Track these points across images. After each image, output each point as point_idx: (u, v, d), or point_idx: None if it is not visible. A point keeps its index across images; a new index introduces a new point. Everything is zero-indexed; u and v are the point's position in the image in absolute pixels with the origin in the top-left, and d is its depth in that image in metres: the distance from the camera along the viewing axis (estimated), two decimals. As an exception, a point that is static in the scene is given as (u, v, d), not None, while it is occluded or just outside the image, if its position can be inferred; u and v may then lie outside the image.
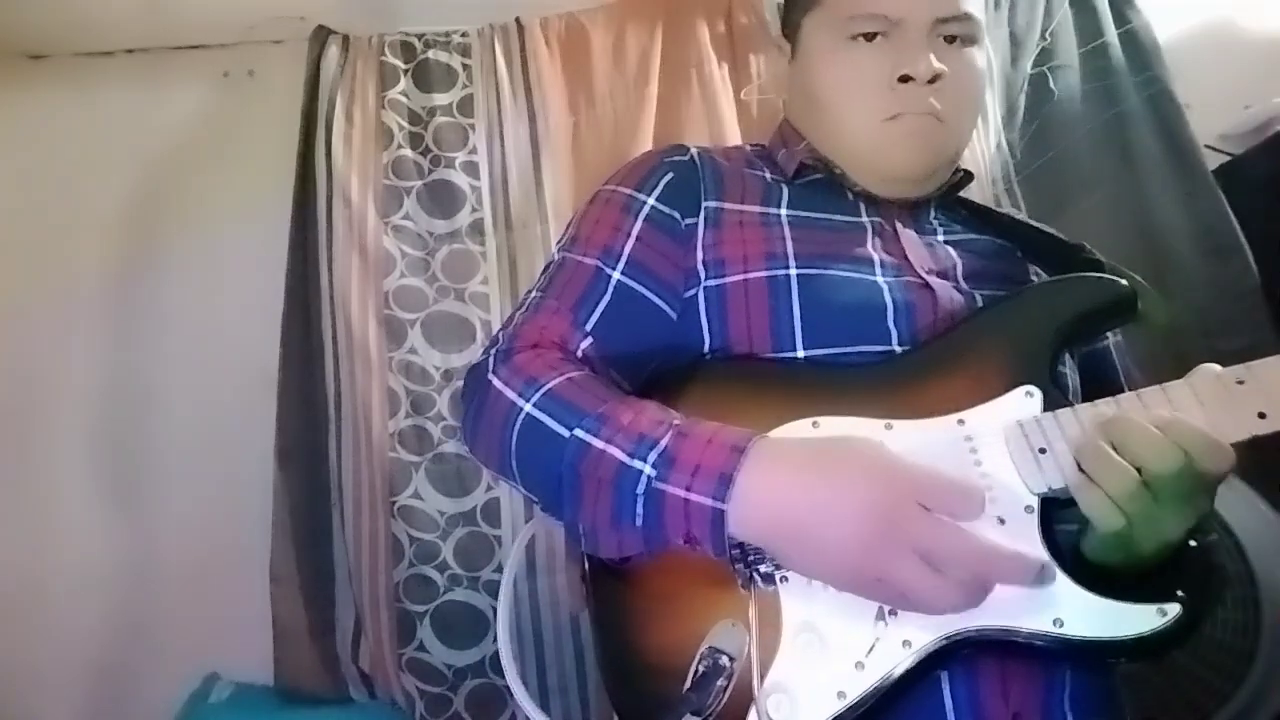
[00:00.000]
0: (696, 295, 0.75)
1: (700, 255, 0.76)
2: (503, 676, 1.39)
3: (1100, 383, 0.76)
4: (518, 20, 1.69)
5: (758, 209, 0.78)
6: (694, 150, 0.82)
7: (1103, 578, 0.59)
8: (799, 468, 0.59)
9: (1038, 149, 1.64)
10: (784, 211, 0.78)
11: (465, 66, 1.68)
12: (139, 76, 1.74)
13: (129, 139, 1.70)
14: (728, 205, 0.78)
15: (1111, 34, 1.65)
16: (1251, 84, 1.64)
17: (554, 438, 0.64)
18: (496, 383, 0.69)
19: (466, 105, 1.66)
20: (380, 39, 1.67)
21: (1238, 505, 1.19)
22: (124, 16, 1.65)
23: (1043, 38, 1.69)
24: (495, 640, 1.41)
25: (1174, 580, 0.60)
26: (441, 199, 1.61)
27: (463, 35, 1.70)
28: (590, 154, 1.64)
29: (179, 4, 1.64)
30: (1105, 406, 0.63)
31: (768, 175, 0.83)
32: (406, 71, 1.66)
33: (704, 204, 0.78)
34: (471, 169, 1.63)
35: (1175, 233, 1.54)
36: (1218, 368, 0.62)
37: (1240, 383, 0.61)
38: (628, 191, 0.79)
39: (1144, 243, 1.56)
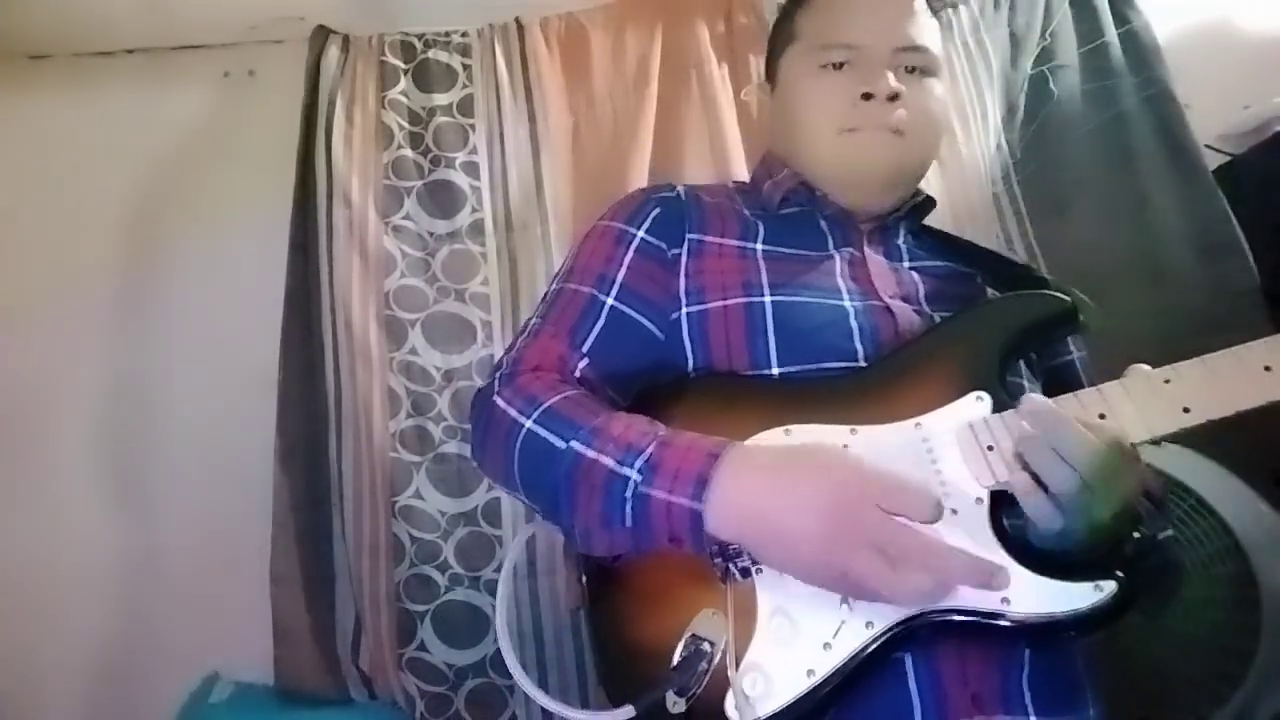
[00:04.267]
0: (680, 318, 0.83)
1: (683, 282, 0.84)
2: (503, 675, 1.40)
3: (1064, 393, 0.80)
4: (518, 20, 1.69)
5: (735, 242, 0.86)
6: (680, 188, 0.91)
7: (1049, 561, 0.65)
8: (768, 471, 0.66)
9: (1038, 149, 1.64)
10: (760, 246, 0.86)
11: (465, 66, 1.68)
12: (139, 76, 1.74)
13: (129, 139, 1.69)
14: (709, 238, 0.86)
15: (1111, 34, 1.66)
16: (1251, 84, 1.64)
17: (552, 450, 0.71)
18: (500, 403, 0.76)
19: (466, 105, 1.66)
20: (380, 39, 1.67)
21: (1238, 505, 1.19)
22: (124, 16, 1.65)
23: (1043, 38, 1.69)
24: (495, 635, 1.42)
25: (1114, 563, 0.66)
26: (442, 199, 1.61)
27: (463, 35, 1.70)
28: (590, 154, 1.64)
29: (179, 4, 1.64)
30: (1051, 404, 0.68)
31: (746, 212, 0.90)
32: (406, 71, 1.66)
33: (688, 236, 0.86)
34: (471, 169, 1.63)
35: (1174, 233, 1.54)
36: (1148, 368, 0.70)
37: (1167, 382, 0.68)
38: (619, 226, 0.87)
39: (1143, 243, 1.56)
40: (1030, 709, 0.69)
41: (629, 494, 0.66)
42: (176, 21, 1.69)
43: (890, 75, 0.84)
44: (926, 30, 0.88)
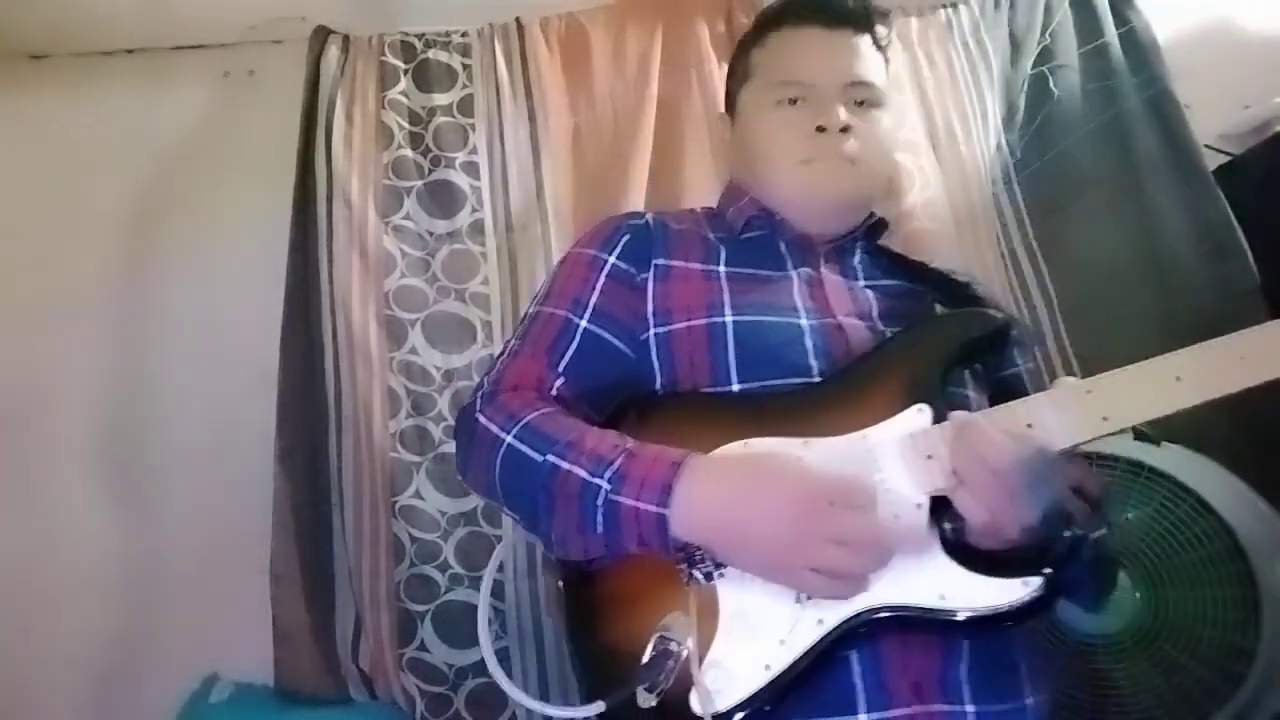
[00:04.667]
0: (649, 339, 0.88)
1: (651, 304, 0.90)
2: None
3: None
4: (518, 20, 1.69)
5: (700, 266, 0.92)
6: (649, 216, 0.97)
7: (982, 560, 0.72)
8: (727, 478, 0.73)
9: (1038, 149, 1.64)
10: (723, 268, 0.92)
11: (465, 66, 1.68)
12: (139, 76, 1.74)
13: (129, 139, 1.70)
14: (675, 263, 0.92)
15: (1111, 34, 1.66)
16: (1251, 84, 1.65)
17: (530, 463, 0.77)
18: (483, 420, 0.82)
19: (466, 105, 1.66)
20: (380, 39, 1.67)
21: (1237, 505, 1.19)
22: (124, 16, 1.65)
23: (1043, 38, 1.69)
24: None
25: (1044, 561, 0.72)
26: (442, 199, 1.61)
27: (463, 35, 1.70)
28: (590, 154, 1.64)
29: (179, 4, 1.64)
30: (981, 417, 0.75)
31: (711, 236, 0.97)
32: (406, 71, 1.66)
33: (654, 261, 0.92)
34: (471, 169, 1.63)
35: (1175, 233, 1.55)
36: (1074, 380, 0.77)
37: (1089, 393, 0.74)
38: (592, 252, 0.93)
39: (1144, 242, 1.56)
40: (968, 697, 0.74)
41: (600, 501, 0.73)
42: (176, 21, 1.69)
43: (841, 109, 0.92)
44: (873, 66, 0.97)
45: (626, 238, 0.93)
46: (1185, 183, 1.56)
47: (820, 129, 0.91)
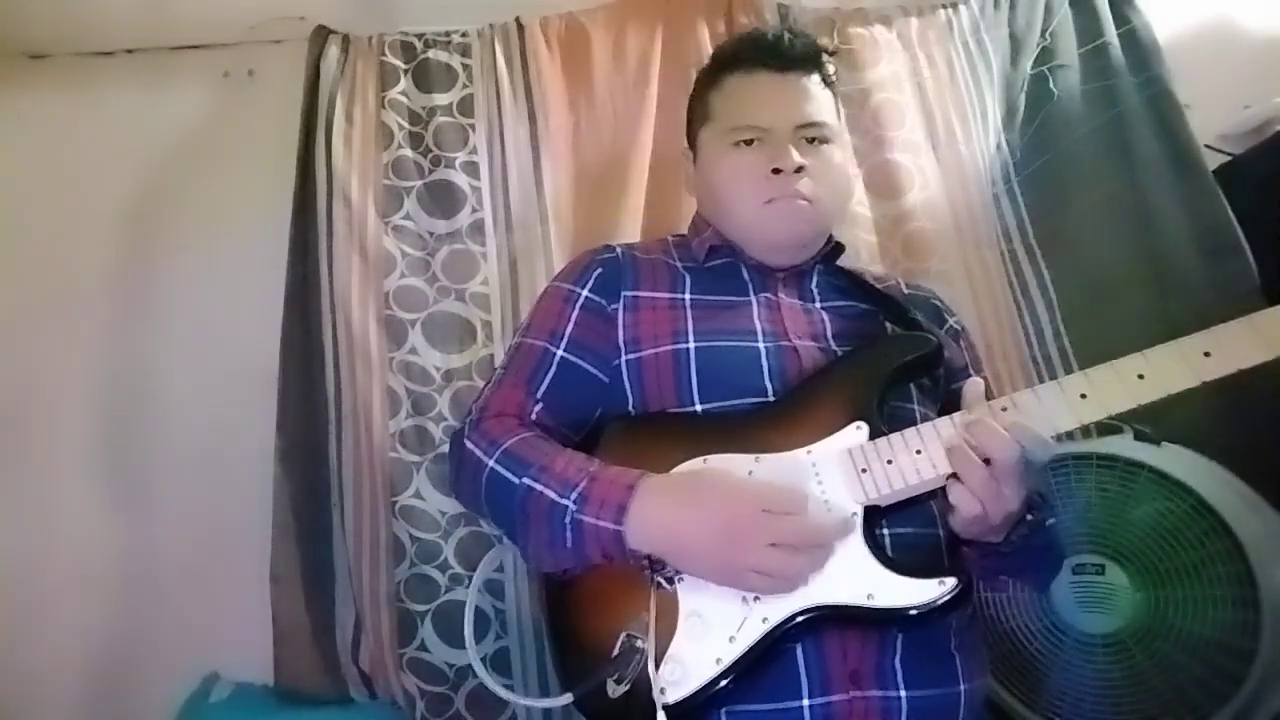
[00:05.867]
0: (621, 365, 0.96)
1: (621, 333, 0.97)
2: (504, 675, 1.40)
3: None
4: (518, 20, 1.69)
5: (666, 295, 1.00)
6: (619, 250, 1.05)
7: (905, 564, 0.81)
8: (673, 497, 0.82)
9: (1038, 149, 1.64)
10: (687, 296, 0.99)
11: (465, 66, 1.68)
12: (139, 76, 1.74)
13: (129, 139, 1.70)
14: (643, 294, 1.00)
15: (1111, 34, 1.66)
16: (1251, 84, 1.65)
17: (509, 485, 0.86)
18: (469, 445, 0.92)
19: (466, 105, 1.66)
20: (380, 39, 1.67)
21: (1237, 505, 1.19)
22: (124, 16, 1.65)
23: (1043, 38, 1.69)
24: (496, 634, 1.42)
25: (953, 565, 0.84)
26: (442, 199, 1.61)
27: (463, 35, 1.70)
28: (590, 154, 1.64)
29: (179, 4, 1.64)
30: (910, 434, 0.84)
31: (679, 265, 1.04)
32: (406, 71, 1.66)
33: (623, 293, 0.99)
34: (472, 169, 1.63)
35: (1175, 233, 1.55)
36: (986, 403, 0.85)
37: (1004, 409, 0.82)
38: (567, 287, 1.02)
39: (1144, 243, 1.56)
40: (901, 684, 0.81)
41: (567, 520, 0.82)
42: (176, 21, 1.69)
43: (794, 151, 0.97)
44: (824, 106, 1.02)
45: (598, 271, 1.01)
46: (1185, 183, 1.56)
47: (776, 170, 0.97)
